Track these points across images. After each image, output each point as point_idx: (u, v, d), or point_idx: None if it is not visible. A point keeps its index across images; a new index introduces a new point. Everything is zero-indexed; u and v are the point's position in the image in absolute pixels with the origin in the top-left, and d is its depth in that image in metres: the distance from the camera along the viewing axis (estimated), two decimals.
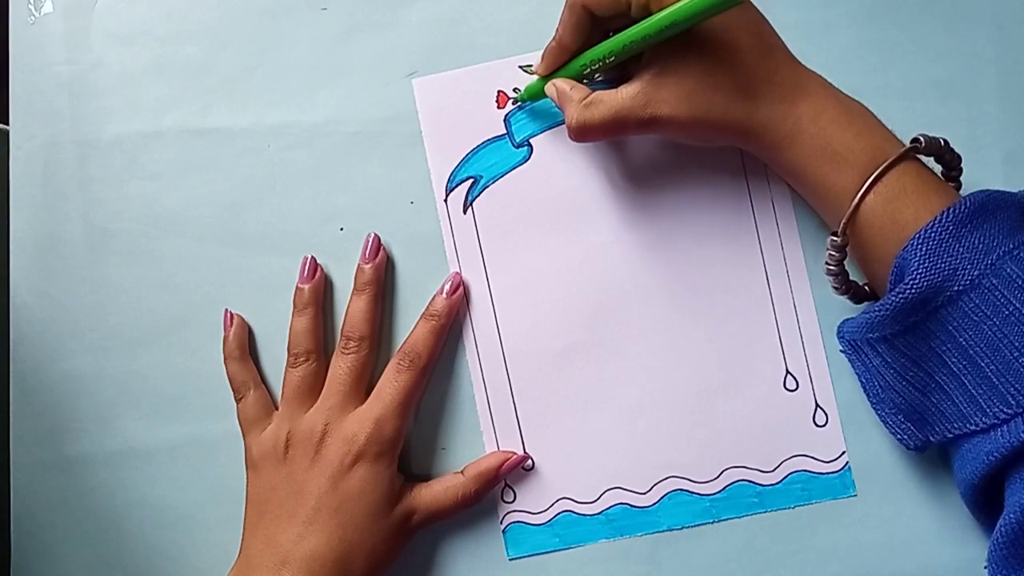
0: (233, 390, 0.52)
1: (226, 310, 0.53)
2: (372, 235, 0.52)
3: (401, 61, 0.53)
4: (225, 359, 0.52)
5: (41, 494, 0.54)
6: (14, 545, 0.54)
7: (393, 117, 0.53)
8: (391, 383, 0.49)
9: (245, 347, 0.53)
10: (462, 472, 0.51)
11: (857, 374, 0.47)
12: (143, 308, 0.54)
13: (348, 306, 0.51)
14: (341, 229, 0.53)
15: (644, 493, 0.51)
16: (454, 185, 0.53)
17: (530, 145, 0.52)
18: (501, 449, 0.52)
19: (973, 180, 0.50)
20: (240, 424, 0.51)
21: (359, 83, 0.54)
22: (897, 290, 0.41)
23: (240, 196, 0.54)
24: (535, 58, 0.52)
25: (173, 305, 0.54)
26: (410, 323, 0.52)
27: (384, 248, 0.52)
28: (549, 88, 0.49)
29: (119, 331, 0.54)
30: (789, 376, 0.51)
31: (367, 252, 0.52)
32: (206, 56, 0.54)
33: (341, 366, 0.50)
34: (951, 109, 0.51)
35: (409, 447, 0.52)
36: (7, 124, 0.55)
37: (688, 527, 0.51)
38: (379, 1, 0.54)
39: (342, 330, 0.51)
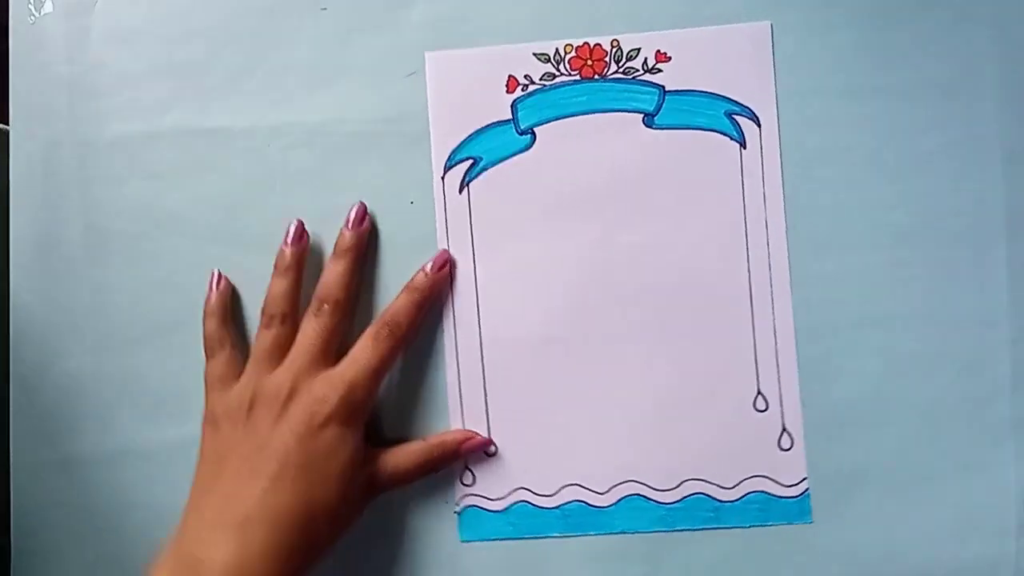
0: (205, 349, 0.52)
1: (214, 270, 0.53)
2: (359, 203, 0.52)
3: (401, 61, 0.53)
4: (205, 316, 0.52)
5: (41, 494, 0.54)
6: (14, 545, 0.54)
7: (393, 117, 0.53)
8: (367, 349, 0.49)
9: (228, 309, 0.52)
10: (425, 439, 0.51)
11: None
12: (143, 308, 0.54)
13: (324, 270, 0.51)
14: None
15: (602, 493, 0.52)
16: (453, 163, 0.53)
17: (534, 134, 0.52)
18: (465, 428, 0.52)
19: (973, 180, 0.50)
20: (205, 380, 0.51)
21: (359, 83, 0.54)
22: None
23: (240, 196, 0.54)
24: (544, 47, 0.52)
25: (173, 305, 0.54)
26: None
27: (370, 216, 0.52)
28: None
29: (119, 331, 0.54)
30: (760, 396, 0.51)
31: (352, 219, 0.51)
32: (206, 56, 0.54)
33: (311, 328, 0.50)
34: (951, 109, 0.51)
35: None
36: (7, 124, 0.55)
37: (645, 532, 0.51)
38: (379, 1, 0.54)
39: (315, 292, 0.51)
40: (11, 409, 0.54)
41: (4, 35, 0.56)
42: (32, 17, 0.56)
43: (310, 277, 0.52)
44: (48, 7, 0.55)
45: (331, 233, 0.53)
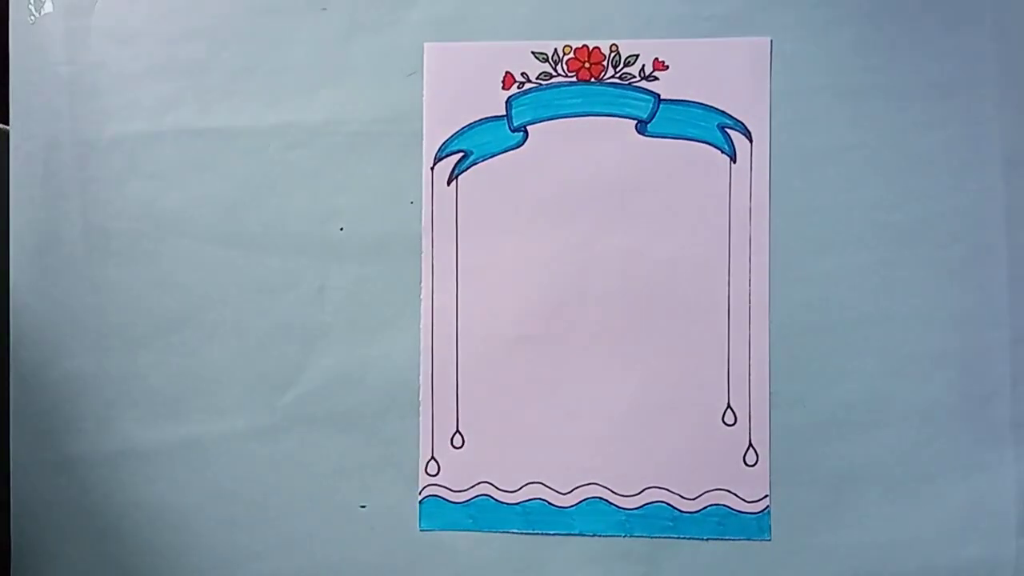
0: None
1: None
2: None
3: (401, 61, 0.53)
4: None
5: (41, 494, 0.54)
6: (14, 545, 0.54)
7: (393, 117, 0.53)
8: None
9: None
10: None
11: None
12: (143, 308, 0.54)
13: None
14: (341, 229, 0.53)
15: (565, 494, 0.52)
16: (444, 155, 0.53)
17: (526, 132, 0.53)
18: (435, 419, 0.52)
19: (973, 180, 0.50)
20: None
21: (359, 83, 0.54)
22: None
23: (240, 196, 0.54)
24: (543, 46, 0.52)
25: (173, 305, 0.54)
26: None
27: None
28: None
29: (119, 331, 0.54)
30: (729, 410, 0.51)
31: None
32: (206, 56, 0.54)
33: None
34: (951, 109, 0.51)
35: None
36: (7, 124, 0.55)
37: (601, 536, 0.52)
38: (379, 1, 0.54)
39: None
40: (11, 409, 0.54)
41: (4, 35, 0.56)
42: (32, 17, 0.56)
43: (311, 277, 0.53)
44: (48, 7, 0.55)
45: (331, 233, 0.53)
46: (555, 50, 0.52)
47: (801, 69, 0.51)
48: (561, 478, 0.52)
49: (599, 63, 0.52)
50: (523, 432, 0.52)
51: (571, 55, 0.52)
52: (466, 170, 0.53)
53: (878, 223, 0.51)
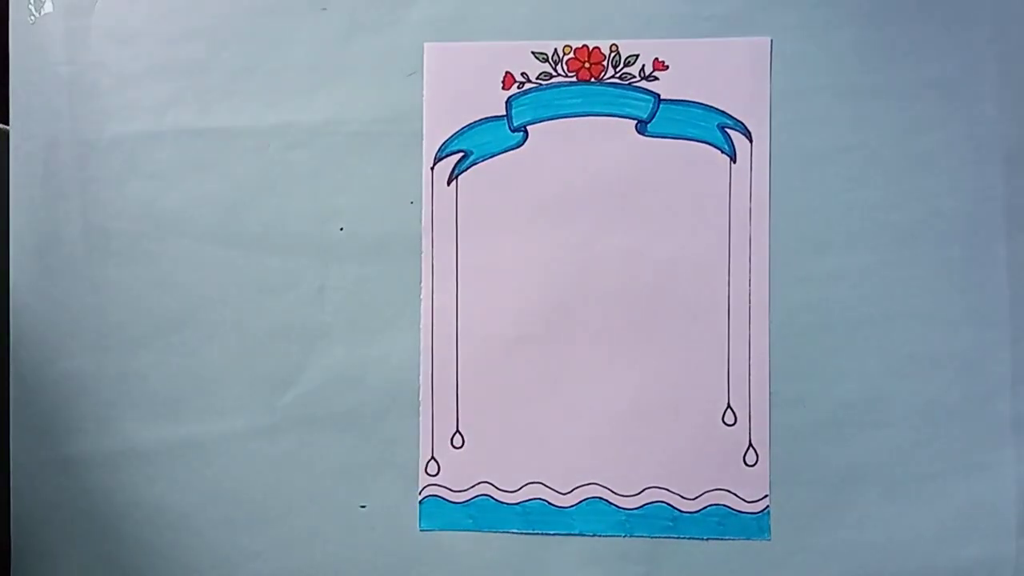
0: None
1: None
2: None
3: (401, 61, 0.53)
4: None
5: (41, 494, 0.54)
6: (14, 545, 0.54)
7: (393, 117, 0.53)
8: None
9: None
10: None
11: None
12: (143, 308, 0.54)
13: None
14: (341, 229, 0.53)
15: (565, 494, 0.52)
16: (444, 155, 0.53)
17: (526, 132, 0.53)
18: (435, 419, 0.52)
19: (973, 180, 0.50)
20: None
21: (359, 83, 0.54)
22: None
23: (240, 196, 0.54)
24: (543, 46, 0.52)
25: (173, 305, 0.54)
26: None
27: None
28: None
29: (119, 331, 0.54)
30: (729, 410, 0.51)
31: None
32: (206, 56, 0.54)
33: None
34: (951, 109, 0.51)
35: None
36: (7, 124, 0.55)
37: (601, 536, 0.52)
38: (379, 1, 0.54)
39: None
40: (11, 409, 0.54)
41: (4, 35, 0.56)
42: (32, 17, 0.56)
43: (311, 277, 0.53)
44: (48, 7, 0.55)
45: (331, 233, 0.53)
46: (555, 50, 0.52)
47: (801, 69, 0.51)
48: (561, 478, 0.52)
49: (599, 63, 0.52)
50: (523, 432, 0.52)
51: (571, 55, 0.52)
52: (466, 170, 0.53)
53: (878, 223, 0.51)
